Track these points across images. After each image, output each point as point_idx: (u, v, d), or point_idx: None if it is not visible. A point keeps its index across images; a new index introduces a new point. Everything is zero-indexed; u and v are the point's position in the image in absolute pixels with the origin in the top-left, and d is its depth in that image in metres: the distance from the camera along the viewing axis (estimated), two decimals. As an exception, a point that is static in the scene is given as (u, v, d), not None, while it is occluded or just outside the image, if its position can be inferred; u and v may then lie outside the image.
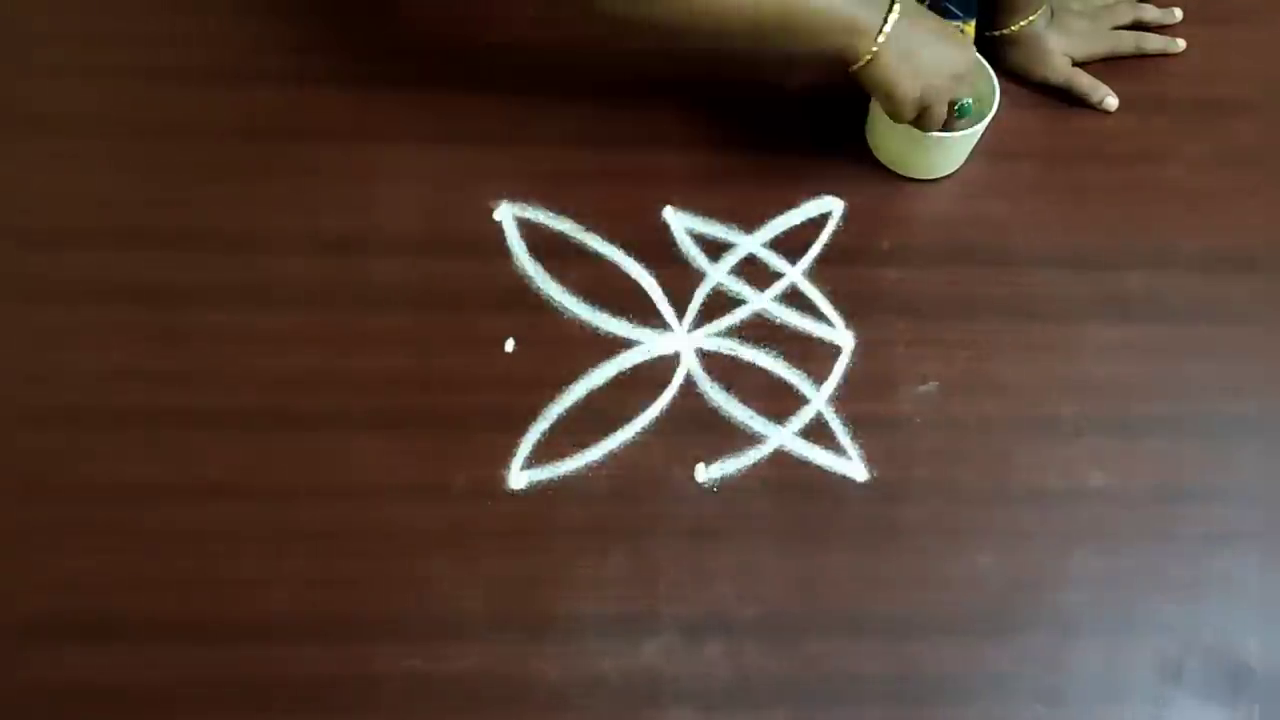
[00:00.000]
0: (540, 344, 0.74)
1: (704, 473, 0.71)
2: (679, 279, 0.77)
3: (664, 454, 0.71)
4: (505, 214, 0.79)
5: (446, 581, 0.67)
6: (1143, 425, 0.74)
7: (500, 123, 0.82)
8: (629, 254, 0.78)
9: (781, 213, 0.80)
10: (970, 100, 0.75)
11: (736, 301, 0.77)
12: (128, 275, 0.75)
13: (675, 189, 0.80)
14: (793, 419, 0.73)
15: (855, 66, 0.70)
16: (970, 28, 0.83)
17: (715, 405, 0.73)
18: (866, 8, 0.68)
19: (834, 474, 0.72)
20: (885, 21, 0.68)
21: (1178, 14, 0.89)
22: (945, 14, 0.82)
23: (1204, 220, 0.82)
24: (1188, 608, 0.69)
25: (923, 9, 0.73)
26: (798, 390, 0.74)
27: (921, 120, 0.73)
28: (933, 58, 0.70)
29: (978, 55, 0.80)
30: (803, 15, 0.68)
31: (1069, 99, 0.86)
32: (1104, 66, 0.87)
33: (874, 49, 0.69)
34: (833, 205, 0.81)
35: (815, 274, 0.78)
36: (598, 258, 0.78)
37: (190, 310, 0.74)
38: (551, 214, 0.79)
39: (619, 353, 0.75)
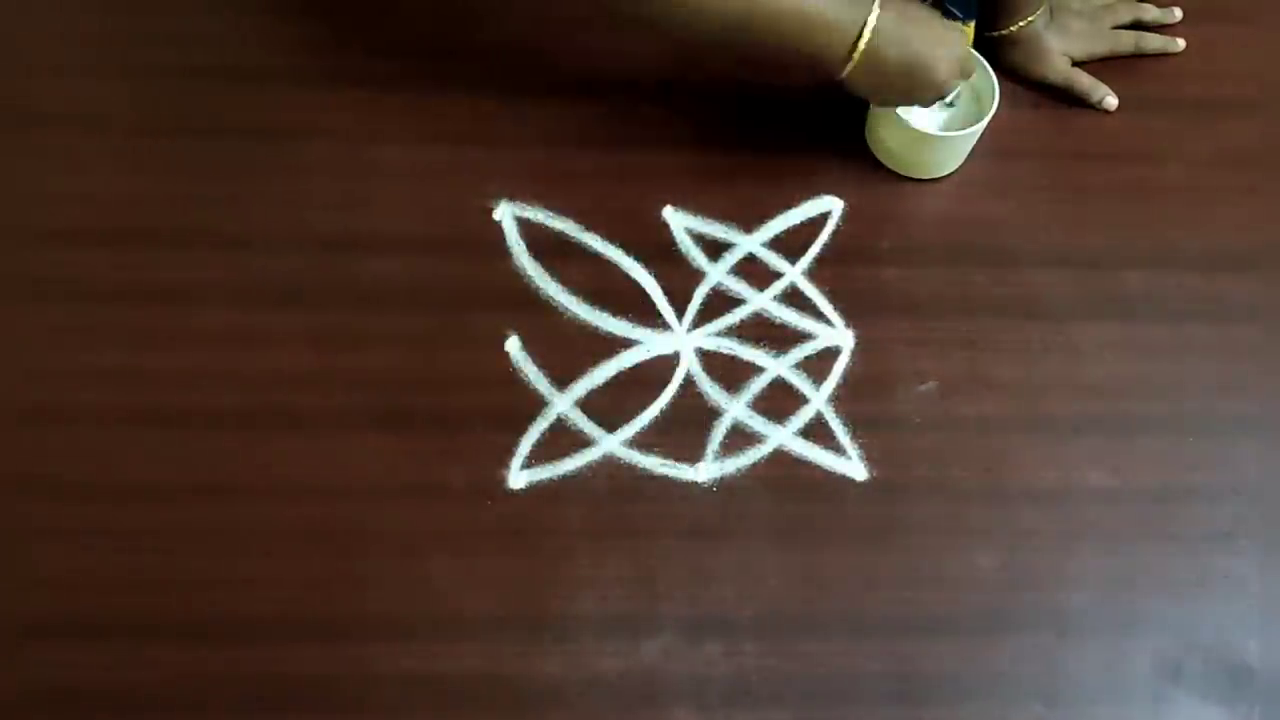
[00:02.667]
0: (540, 344, 0.74)
1: (703, 472, 0.71)
2: (679, 278, 0.77)
3: (663, 453, 0.71)
4: (505, 214, 0.79)
5: (446, 581, 0.67)
6: (1142, 425, 0.74)
7: (500, 123, 0.82)
8: (629, 254, 0.78)
9: (781, 212, 0.80)
10: (957, 92, 0.75)
11: (736, 301, 0.77)
12: (128, 275, 0.75)
13: (675, 189, 0.80)
14: (792, 419, 0.73)
15: (855, 54, 0.68)
16: (970, 29, 0.83)
17: (715, 405, 0.73)
18: (850, 8, 0.68)
19: (833, 474, 0.72)
20: (866, 23, 0.67)
21: (1177, 14, 0.89)
22: (946, 14, 0.82)
23: (1204, 220, 0.82)
24: (1187, 608, 0.69)
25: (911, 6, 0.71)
26: (797, 390, 0.74)
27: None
28: (925, 44, 0.69)
29: (978, 55, 0.80)
30: (792, 13, 0.67)
31: (1069, 99, 0.86)
32: (1104, 66, 0.87)
33: (861, 46, 0.68)
34: (832, 205, 0.81)
35: (815, 274, 0.78)
36: (598, 257, 0.78)
37: (190, 310, 0.74)
38: (551, 214, 0.79)
39: (619, 352, 0.75)
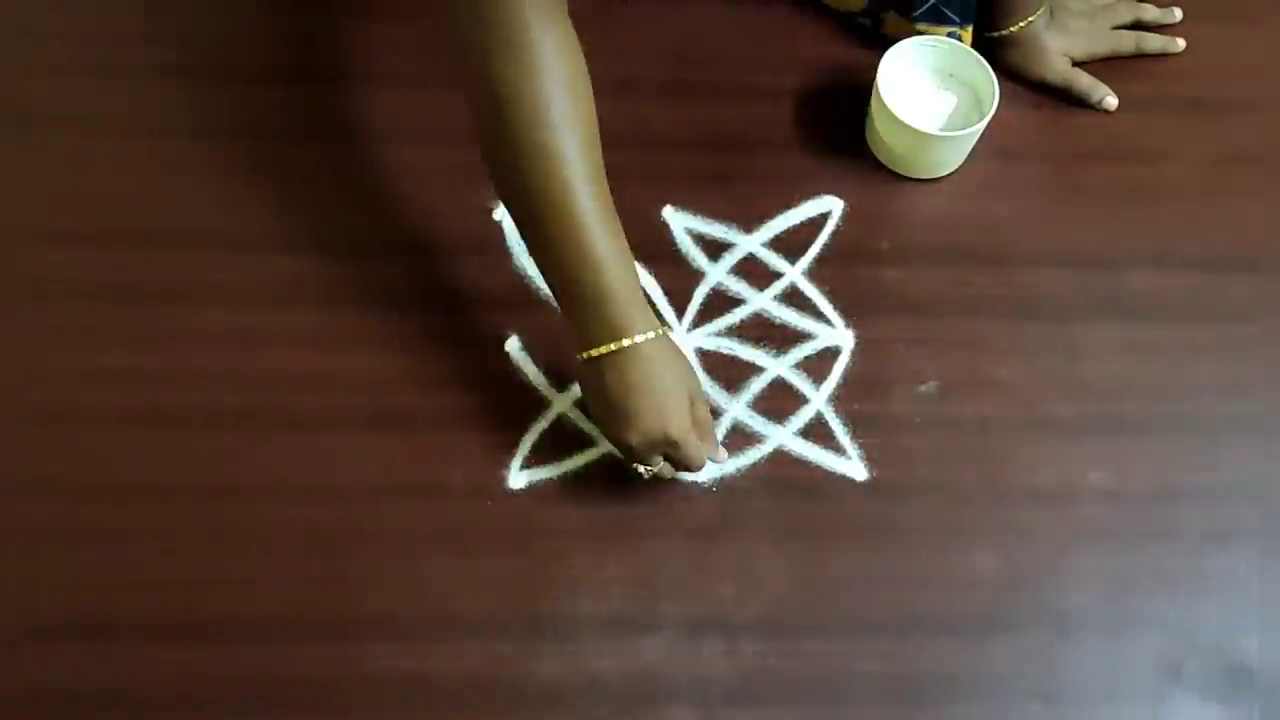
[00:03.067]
0: (540, 344, 0.74)
1: (703, 472, 0.71)
2: (679, 278, 0.77)
3: (663, 454, 0.72)
4: (505, 214, 0.79)
5: (445, 581, 0.67)
6: (1142, 425, 0.74)
7: (500, 123, 0.82)
8: (628, 254, 0.78)
9: (781, 212, 0.80)
10: (652, 470, 0.67)
11: (736, 301, 0.77)
12: (128, 275, 0.75)
13: (675, 189, 0.80)
14: (792, 419, 0.73)
15: (589, 352, 0.63)
16: (967, 34, 0.83)
17: (715, 405, 0.73)
18: (641, 307, 0.63)
19: (833, 473, 0.72)
20: (636, 335, 0.62)
21: (1177, 14, 0.89)
22: (942, 19, 0.82)
23: (1204, 220, 0.82)
24: (1187, 607, 0.69)
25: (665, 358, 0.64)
26: (797, 390, 0.74)
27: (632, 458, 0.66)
28: (640, 404, 0.62)
29: (976, 54, 0.80)
30: (593, 272, 0.61)
31: (1069, 99, 0.86)
32: (1104, 66, 0.87)
33: (620, 345, 0.62)
34: (832, 205, 0.81)
35: (815, 274, 0.78)
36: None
37: (190, 310, 0.74)
38: (551, 214, 0.79)
39: (618, 352, 0.75)
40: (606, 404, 0.64)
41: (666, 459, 0.66)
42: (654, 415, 0.63)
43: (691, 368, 0.67)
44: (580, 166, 0.61)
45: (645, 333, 0.63)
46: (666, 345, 0.64)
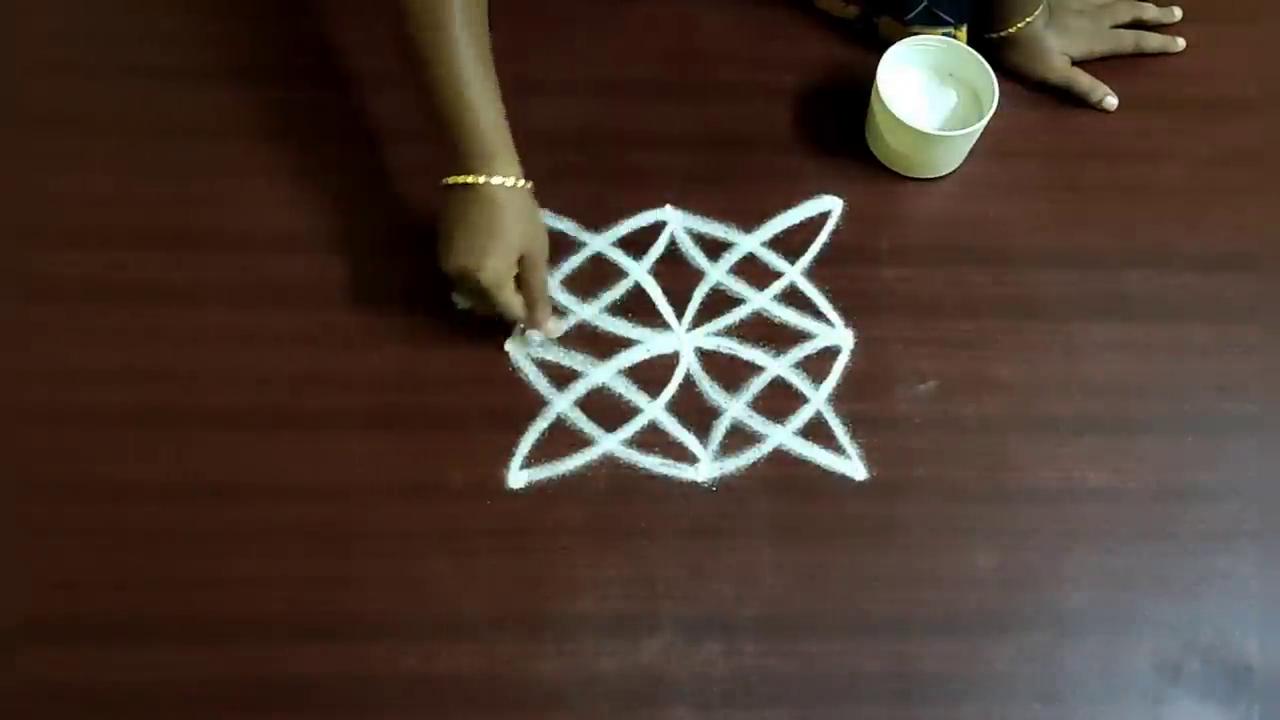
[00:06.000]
0: (540, 343, 0.74)
1: (703, 472, 0.71)
2: (678, 278, 0.77)
3: (663, 453, 0.71)
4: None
5: (445, 581, 0.67)
6: (1142, 424, 0.74)
7: (500, 123, 0.82)
8: (628, 253, 0.78)
9: (781, 212, 0.80)
10: (464, 301, 0.74)
11: (736, 300, 0.77)
12: (128, 275, 0.75)
13: (675, 189, 0.80)
14: (792, 418, 0.73)
15: (445, 179, 0.69)
16: (962, 34, 0.83)
17: (714, 404, 0.73)
18: (500, 152, 0.69)
19: (833, 473, 0.72)
20: (490, 175, 0.68)
21: (1177, 13, 0.89)
22: (936, 20, 0.82)
23: (1204, 220, 0.82)
24: (1187, 607, 0.69)
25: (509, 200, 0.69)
26: (797, 389, 0.74)
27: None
28: (467, 234, 0.68)
29: (976, 54, 0.80)
30: (458, 105, 0.67)
31: (1069, 99, 0.86)
32: (1104, 66, 0.87)
33: (469, 180, 0.68)
34: (832, 204, 0.81)
35: (814, 273, 0.78)
36: (598, 257, 0.78)
37: (189, 310, 0.74)
38: (552, 214, 0.79)
39: (618, 352, 0.75)
40: (442, 230, 0.70)
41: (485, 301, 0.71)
42: (472, 255, 0.68)
43: (543, 231, 0.72)
44: (462, 20, 0.67)
45: (498, 177, 0.68)
46: (517, 198, 0.69)
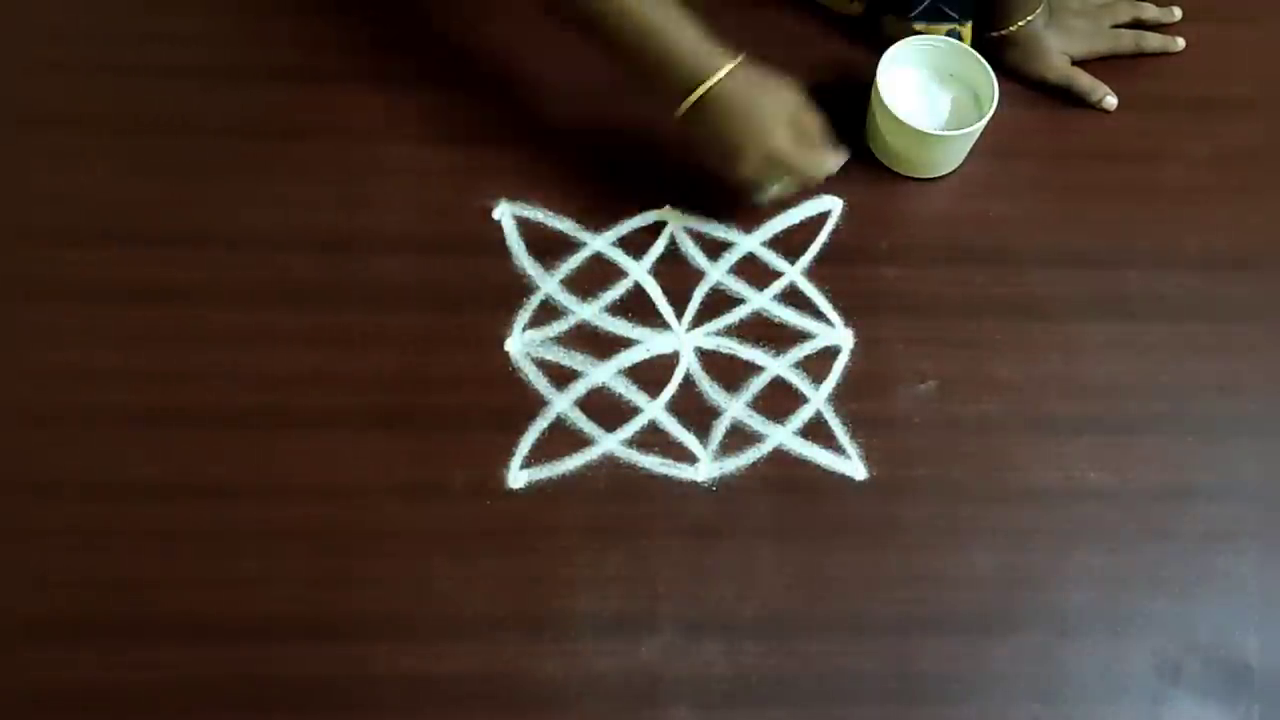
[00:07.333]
0: (539, 343, 0.74)
1: (703, 472, 0.71)
2: (678, 278, 0.77)
3: (663, 453, 0.71)
4: (505, 213, 0.79)
5: (445, 581, 0.67)
6: (1142, 424, 0.74)
7: (500, 123, 0.82)
8: (628, 253, 0.78)
9: (781, 211, 0.80)
10: (774, 191, 0.74)
11: (736, 300, 0.77)
12: (128, 275, 0.75)
13: (674, 189, 0.80)
14: (792, 418, 0.73)
15: (679, 110, 0.69)
16: (967, 29, 0.83)
17: (714, 404, 0.73)
18: (712, 48, 0.69)
19: (833, 473, 0.72)
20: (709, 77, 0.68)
21: (1177, 13, 0.89)
22: (941, 15, 0.82)
23: (1204, 220, 0.82)
24: (1187, 607, 0.69)
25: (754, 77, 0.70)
26: (797, 389, 0.74)
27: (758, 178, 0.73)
28: (747, 125, 0.69)
29: (976, 54, 0.80)
30: (658, 37, 0.68)
31: (1069, 99, 0.86)
32: (1104, 66, 0.87)
33: (699, 89, 0.68)
34: (832, 204, 0.81)
35: (814, 273, 0.78)
36: (597, 257, 0.78)
37: (190, 310, 0.74)
38: (551, 213, 0.79)
39: (618, 351, 0.75)
40: (713, 149, 0.70)
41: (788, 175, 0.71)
42: (753, 142, 0.68)
43: (785, 84, 0.71)
44: None
45: (719, 69, 0.68)
46: (747, 73, 0.69)
